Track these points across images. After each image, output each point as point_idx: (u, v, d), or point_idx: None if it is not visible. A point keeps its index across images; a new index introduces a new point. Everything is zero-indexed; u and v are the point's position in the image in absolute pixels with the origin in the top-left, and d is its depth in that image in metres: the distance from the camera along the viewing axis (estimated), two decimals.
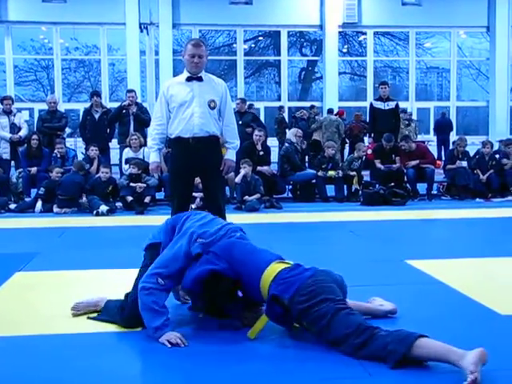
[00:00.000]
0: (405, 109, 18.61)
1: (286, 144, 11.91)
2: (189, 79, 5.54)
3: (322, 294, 3.44)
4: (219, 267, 3.66)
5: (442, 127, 20.56)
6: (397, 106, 12.64)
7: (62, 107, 19.16)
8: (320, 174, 11.42)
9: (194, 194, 7.45)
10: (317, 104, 22.80)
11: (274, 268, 3.66)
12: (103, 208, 9.74)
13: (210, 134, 5.53)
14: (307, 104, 21.31)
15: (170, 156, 5.93)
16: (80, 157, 12.38)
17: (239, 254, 3.76)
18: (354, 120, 18.18)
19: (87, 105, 12.84)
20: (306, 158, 14.71)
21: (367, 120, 14.76)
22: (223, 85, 5.72)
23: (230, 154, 5.72)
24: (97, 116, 12.11)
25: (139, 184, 10.32)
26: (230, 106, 5.76)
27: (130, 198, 10.25)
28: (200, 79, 5.55)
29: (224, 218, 5.34)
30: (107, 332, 3.84)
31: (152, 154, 5.76)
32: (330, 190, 11.50)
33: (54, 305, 4.46)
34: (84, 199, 10.21)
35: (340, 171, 11.54)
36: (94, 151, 11.25)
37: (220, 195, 5.80)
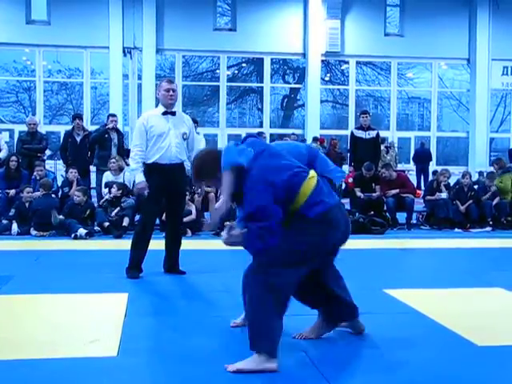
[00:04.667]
0: (385, 138, 18.77)
1: None
2: (164, 113, 6.43)
3: None
4: None
5: (421, 157, 20.73)
6: (377, 135, 12.68)
7: (43, 129, 19.11)
8: None
9: None
10: (298, 131, 22.95)
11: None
12: (81, 231, 9.68)
13: (182, 161, 6.48)
14: (289, 131, 21.42)
15: (146, 180, 6.50)
16: (60, 179, 12.31)
17: None
18: (331, 147, 18.20)
19: (68, 127, 12.80)
20: None
21: (347, 148, 14.81)
22: (190, 120, 6.79)
23: None
24: (78, 139, 12.04)
25: (115, 211, 10.29)
26: (196, 137, 6.97)
27: (106, 224, 10.20)
28: (174, 114, 6.48)
29: (179, 232, 6.83)
30: (87, 357, 3.80)
31: (138, 175, 6.45)
32: None
33: (29, 329, 4.41)
34: (59, 217, 10.11)
35: None
36: (73, 173, 11.19)
37: (181, 214, 7.05)
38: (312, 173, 3.77)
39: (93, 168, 12.31)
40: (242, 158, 3.62)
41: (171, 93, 6.38)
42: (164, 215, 7.31)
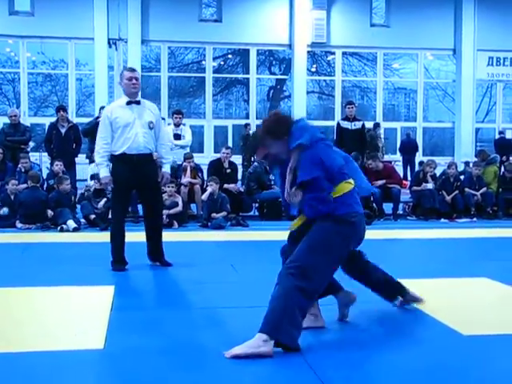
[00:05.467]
0: (370, 129, 18.83)
1: (255, 163, 11.94)
2: (129, 103, 6.40)
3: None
4: None
5: (407, 147, 20.80)
6: (363, 126, 12.72)
7: (28, 121, 19.03)
8: None
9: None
10: None
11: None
12: (70, 224, 9.62)
13: (151, 150, 6.45)
14: None
15: (115, 171, 6.48)
16: (45, 172, 12.25)
17: None
18: None
19: (54, 119, 12.74)
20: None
21: (333, 139, 14.79)
22: (156, 108, 6.73)
23: (167, 168, 6.70)
24: (63, 131, 12.00)
25: (101, 202, 10.22)
26: (163, 126, 6.77)
27: (92, 216, 10.16)
28: (138, 103, 6.43)
29: (161, 225, 6.76)
30: (74, 350, 3.80)
31: (103, 170, 6.48)
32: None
33: (15, 322, 4.40)
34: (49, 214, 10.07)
35: None
36: (58, 166, 11.12)
37: (160, 204, 6.96)
38: (351, 180, 4.00)
39: (85, 160, 12.32)
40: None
41: (134, 81, 6.34)
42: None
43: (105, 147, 6.37)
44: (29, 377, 3.34)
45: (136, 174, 6.32)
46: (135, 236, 6.98)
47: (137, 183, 6.42)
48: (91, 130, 11.96)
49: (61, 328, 4.25)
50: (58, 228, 9.65)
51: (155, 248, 6.60)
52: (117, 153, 6.35)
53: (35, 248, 8.17)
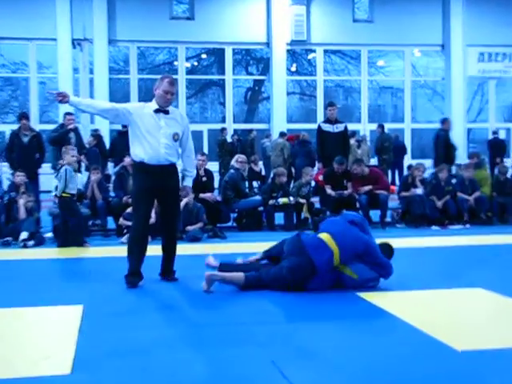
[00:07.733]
0: (355, 131, 18.90)
1: (231, 170, 11.89)
2: (157, 111, 6.49)
3: None
4: None
5: (395, 150, 20.83)
6: (345, 128, 12.69)
7: None
8: (271, 202, 11.38)
9: None
10: (264, 126, 22.98)
11: None
12: (23, 235, 9.57)
13: (172, 162, 6.51)
14: (254, 126, 21.47)
15: (134, 179, 6.79)
16: (6, 183, 12.13)
17: None
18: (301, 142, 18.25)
19: (14, 126, 12.63)
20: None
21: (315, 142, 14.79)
22: (186, 119, 6.82)
23: (188, 181, 6.93)
24: (25, 140, 11.86)
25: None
26: (191, 138, 6.77)
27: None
28: (167, 112, 6.52)
29: (176, 235, 7.01)
30: (38, 376, 3.74)
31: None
32: (279, 218, 11.51)
33: None
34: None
35: (291, 198, 11.50)
36: (20, 177, 11.00)
37: (177, 220, 7.20)
38: None
39: (50, 170, 12.24)
40: None
41: (169, 96, 6.47)
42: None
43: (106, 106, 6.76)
44: None
45: (156, 184, 6.43)
46: (105, 251, 6.91)
47: (156, 193, 6.53)
48: (59, 138, 11.90)
49: (23, 353, 4.19)
50: (22, 244, 9.55)
51: (168, 265, 6.77)
52: (137, 160, 6.52)
53: None
